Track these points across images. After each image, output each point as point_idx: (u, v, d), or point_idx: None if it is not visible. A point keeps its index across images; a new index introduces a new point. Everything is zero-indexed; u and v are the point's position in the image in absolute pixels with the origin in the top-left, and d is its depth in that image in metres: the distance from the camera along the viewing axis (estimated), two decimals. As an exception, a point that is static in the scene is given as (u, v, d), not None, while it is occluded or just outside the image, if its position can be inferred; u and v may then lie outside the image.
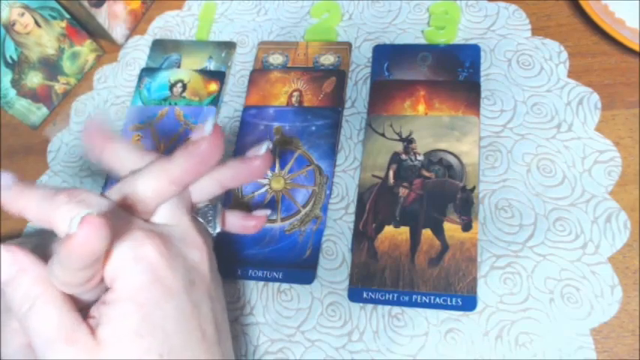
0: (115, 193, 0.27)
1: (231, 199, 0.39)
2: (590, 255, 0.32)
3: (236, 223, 0.32)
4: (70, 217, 0.21)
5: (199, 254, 0.27)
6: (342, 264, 0.35)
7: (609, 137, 0.35)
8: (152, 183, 0.27)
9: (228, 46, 0.46)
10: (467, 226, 0.34)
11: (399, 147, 0.37)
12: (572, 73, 0.38)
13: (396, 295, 0.33)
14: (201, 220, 0.30)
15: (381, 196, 0.36)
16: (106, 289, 0.25)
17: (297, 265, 0.35)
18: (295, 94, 0.42)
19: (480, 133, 0.37)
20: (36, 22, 0.44)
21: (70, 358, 0.23)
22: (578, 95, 0.37)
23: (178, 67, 0.46)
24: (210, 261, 0.29)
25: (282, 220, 0.37)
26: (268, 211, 0.33)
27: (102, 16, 0.46)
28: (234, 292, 0.36)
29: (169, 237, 0.26)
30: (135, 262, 0.24)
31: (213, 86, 0.44)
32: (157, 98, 0.45)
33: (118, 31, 0.48)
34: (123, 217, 0.26)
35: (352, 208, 0.37)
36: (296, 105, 0.41)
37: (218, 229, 0.31)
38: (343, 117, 0.40)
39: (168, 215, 0.28)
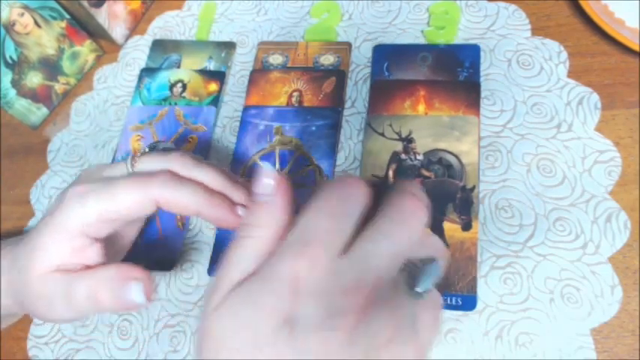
0: None
1: (231, 199, 0.39)
2: (590, 255, 0.32)
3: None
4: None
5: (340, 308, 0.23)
6: (342, 264, 0.35)
7: (609, 137, 0.35)
8: None
9: (228, 46, 0.46)
10: (466, 226, 0.34)
11: (398, 147, 0.37)
12: (572, 73, 0.38)
13: (395, 295, 0.33)
14: None
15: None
16: None
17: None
18: (295, 94, 0.42)
19: (479, 133, 0.37)
20: (36, 23, 0.44)
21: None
22: (578, 95, 0.37)
23: (178, 67, 0.46)
24: (349, 334, 0.22)
25: (282, 220, 0.37)
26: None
27: (102, 16, 0.46)
28: (234, 292, 0.36)
29: (336, 267, 0.23)
30: (283, 260, 0.23)
31: (213, 86, 0.44)
32: (157, 98, 0.45)
33: (117, 31, 0.48)
34: None
35: (352, 208, 0.37)
36: (296, 105, 0.41)
37: (419, 297, 0.22)
38: (343, 117, 0.40)
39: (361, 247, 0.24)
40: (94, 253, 0.29)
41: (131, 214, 0.28)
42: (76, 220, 0.28)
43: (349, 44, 0.43)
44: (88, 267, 0.29)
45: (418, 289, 0.22)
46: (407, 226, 0.23)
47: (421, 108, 0.38)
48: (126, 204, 0.28)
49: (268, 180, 0.24)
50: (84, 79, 0.49)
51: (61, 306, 0.28)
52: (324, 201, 0.23)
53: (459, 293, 0.32)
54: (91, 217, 0.28)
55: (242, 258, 0.23)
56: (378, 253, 0.22)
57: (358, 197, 0.24)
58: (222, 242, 0.37)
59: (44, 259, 0.28)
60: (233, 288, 0.22)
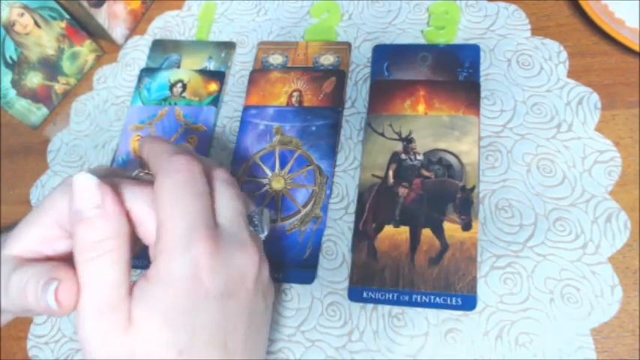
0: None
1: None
2: (590, 255, 0.32)
3: None
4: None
5: (249, 262, 0.27)
6: (342, 264, 0.35)
7: (609, 137, 0.35)
8: None
9: (228, 46, 0.46)
10: (466, 226, 0.34)
11: (398, 147, 0.37)
12: (572, 73, 0.38)
13: (396, 294, 0.33)
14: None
15: (381, 195, 0.36)
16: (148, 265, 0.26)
17: (297, 265, 0.35)
18: (295, 94, 0.42)
19: (479, 133, 0.37)
20: (35, 23, 0.44)
21: (102, 327, 0.24)
22: (578, 95, 0.37)
23: (178, 67, 0.46)
24: (259, 271, 0.28)
25: (282, 220, 0.37)
26: None
27: (102, 16, 0.46)
28: (234, 292, 0.36)
29: (223, 240, 0.26)
30: (183, 251, 0.24)
31: (213, 86, 0.44)
32: (157, 98, 0.45)
33: (117, 32, 0.48)
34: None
35: (352, 208, 0.37)
36: (296, 105, 0.41)
37: (265, 233, 0.30)
38: (343, 117, 0.40)
39: (228, 215, 0.27)
40: (62, 246, 0.27)
41: None
42: (55, 210, 0.27)
43: (349, 44, 0.43)
44: (49, 259, 0.27)
45: (265, 233, 0.30)
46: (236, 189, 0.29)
47: (421, 108, 0.38)
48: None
49: (90, 192, 0.25)
50: (84, 79, 0.49)
51: (2, 293, 0.26)
52: (174, 187, 0.26)
53: (459, 293, 0.32)
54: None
55: (108, 277, 0.24)
56: (237, 219, 0.27)
57: (200, 172, 0.27)
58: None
59: (12, 243, 0.27)
60: (132, 303, 0.24)
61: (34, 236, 0.27)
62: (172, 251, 0.24)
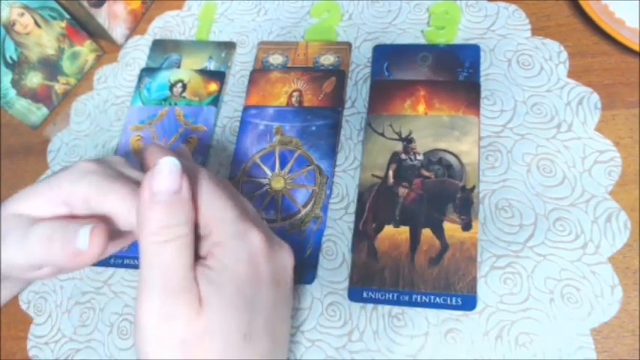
0: None
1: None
2: (590, 255, 0.32)
3: None
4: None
5: (288, 254, 0.29)
6: (342, 264, 0.35)
7: (609, 137, 0.35)
8: None
9: (228, 46, 0.46)
10: (466, 226, 0.34)
11: (398, 147, 0.37)
12: (572, 73, 0.38)
13: (396, 294, 0.33)
14: None
15: (381, 195, 0.36)
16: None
17: (297, 265, 0.35)
18: (295, 94, 0.42)
19: (479, 133, 0.37)
20: (36, 23, 0.44)
21: (174, 308, 0.24)
22: (578, 95, 0.37)
23: (178, 67, 0.46)
24: (293, 269, 0.30)
25: (282, 220, 0.37)
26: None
27: (102, 16, 0.46)
28: (234, 292, 0.36)
29: (271, 234, 0.28)
30: (239, 238, 0.26)
31: (213, 86, 0.44)
32: (157, 98, 0.45)
33: (117, 31, 0.48)
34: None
35: (352, 208, 0.37)
36: (296, 105, 0.41)
37: None
38: (343, 117, 0.40)
39: (253, 212, 0.29)
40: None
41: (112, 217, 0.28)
42: (62, 190, 0.27)
43: (349, 44, 0.43)
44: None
45: None
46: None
47: (421, 108, 0.38)
48: (111, 204, 0.27)
49: (174, 178, 0.25)
50: (84, 79, 0.49)
51: (13, 245, 0.27)
52: (215, 188, 0.27)
53: (459, 293, 0.32)
54: (78, 195, 0.27)
55: (181, 260, 0.25)
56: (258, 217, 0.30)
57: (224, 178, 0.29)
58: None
59: (17, 204, 0.28)
60: (200, 287, 0.25)
61: (40, 203, 0.28)
62: (227, 242, 0.26)
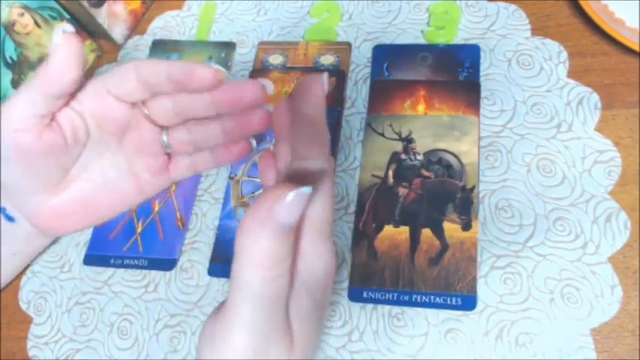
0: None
1: (229, 201, 0.39)
2: (590, 255, 0.32)
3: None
4: None
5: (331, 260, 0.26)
6: (342, 264, 0.35)
7: (609, 137, 0.35)
8: None
9: (228, 46, 0.46)
10: (466, 226, 0.34)
11: (398, 147, 0.37)
12: (572, 73, 0.38)
13: (395, 294, 0.33)
14: None
15: (381, 195, 0.36)
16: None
17: (297, 265, 0.35)
18: (295, 94, 0.41)
19: (479, 133, 0.37)
20: (36, 23, 0.44)
21: (270, 352, 0.23)
22: (578, 95, 0.37)
23: (178, 67, 0.46)
24: None
25: (282, 220, 0.37)
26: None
27: (102, 16, 0.46)
28: (234, 292, 0.36)
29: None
30: (319, 259, 0.24)
31: (213, 86, 0.44)
32: (157, 98, 0.45)
33: (117, 31, 0.48)
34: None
35: (352, 208, 0.37)
36: (296, 105, 0.41)
37: None
38: (343, 117, 0.40)
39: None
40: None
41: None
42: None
43: (349, 44, 0.43)
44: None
45: None
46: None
47: (421, 108, 0.38)
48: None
49: (300, 205, 0.21)
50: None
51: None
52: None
53: (459, 293, 0.32)
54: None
55: (280, 301, 0.23)
56: None
57: None
58: (223, 243, 0.37)
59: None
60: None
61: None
62: (313, 259, 0.24)
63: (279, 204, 0.21)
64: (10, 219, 0.33)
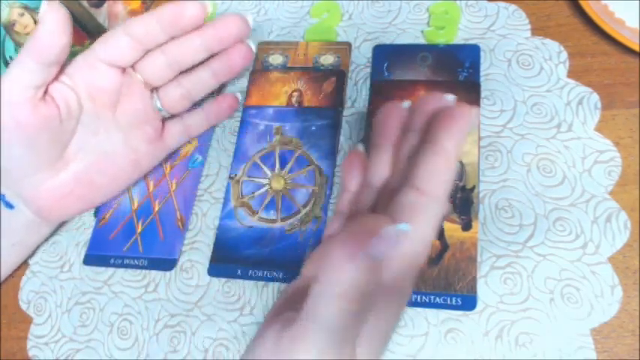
0: None
1: (229, 201, 0.39)
2: (590, 255, 0.32)
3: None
4: None
5: None
6: (342, 264, 0.35)
7: (609, 137, 0.35)
8: None
9: (228, 46, 0.46)
10: (466, 226, 0.34)
11: (398, 147, 0.37)
12: (572, 73, 0.38)
13: (395, 295, 0.33)
14: None
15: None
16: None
17: (297, 265, 0.35)
18: (295, 94, 0.42)
19: (479, 133, 0.37)
20: (36, 23, 0.44)
21: None
22: (578, 95, 0.37)
23: (178, 67, 0.46)
24: None
25: (282, 220, 0.37)
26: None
27: (102, 16, 0.46)
28: (234, 292, 0.36)
29: None
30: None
31: (213, 86, 0.44)
32: (157, 98, 0.45)
33: (117, 31, 0.48)
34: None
35: (352, 208, 0.37)
36: (296, 105, 0.41)
37: None
38: (343, 117, 0.40)
39: None
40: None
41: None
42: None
43: (349, 44, 0.43)
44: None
45: None
46: None
47: (421, 108, 0.38)
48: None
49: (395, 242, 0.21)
50: (84, 79, 0.49)
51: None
52: None
53: (459, 293, 0.32)
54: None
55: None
56: None
57: None
58: (223, 242, 0.37)
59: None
60: None
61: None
62: None
63: (376, 237, 0.20)
64: (9, 206, 0.34)
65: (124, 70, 0.31)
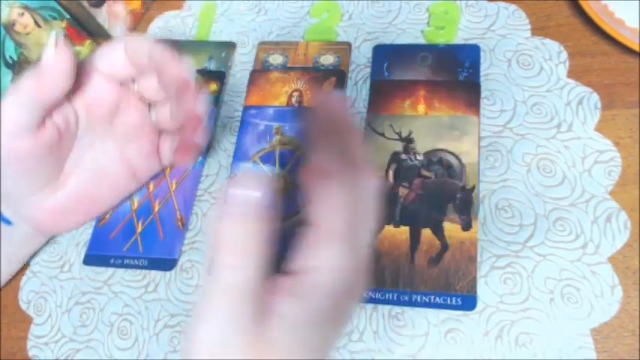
0: None
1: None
2: (590, 255, 0.32)
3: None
4: None
5: None
6: (342, 264, 0.35)
7: (609, 137, 0.35)
8: None
9: (228, 46, 0.46)
10: (466, 226, 0.34)
11: (398, 147, 0.37)
12: (572, 73, 0.38)
13: (396, 294, 0.33)
14: None
15: (381, 195, 0.36)
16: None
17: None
18: (295, 94, 0.42)
19: (479, 133, 0.37)
20: (36, 23, 0.44)
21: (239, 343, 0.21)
22: (578, 95, 0.37)
23: (178, 67, 0.46)
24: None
25: (282, 220, 0.37)
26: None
27: (102, 16, 0.46)
28: (234, 292, 0.36)
29: None
30: (330, 267, 0.22)
31: (213, 86, 0.44)
32: (157, 98, 0.45)
33: (117, 32, 0.48)
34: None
35: (352, 208, 0.37)
36: (296, 105, 0.41)
37: None
38: (343, 117, 0.40)
39: None
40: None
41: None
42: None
43: (349, 44, 0.43)
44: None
45: None
46: None
47: (421, 108, 0.38)
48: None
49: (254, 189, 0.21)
50: (84, 79, 0.49)
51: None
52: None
53: (459, 293, 0.32)
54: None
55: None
56: None
57: None
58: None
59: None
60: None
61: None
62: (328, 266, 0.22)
63: (234, 191, 0.20)
64: (7, 222, 0.33)
65: (121, 83, 0.31)
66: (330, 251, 0.22)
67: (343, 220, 0.22)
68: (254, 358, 0.21)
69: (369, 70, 0.41)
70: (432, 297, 0.32)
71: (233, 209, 0.20)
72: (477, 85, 0.38)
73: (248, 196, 0.20)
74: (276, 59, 0.44)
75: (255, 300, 0.21)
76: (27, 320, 0.39)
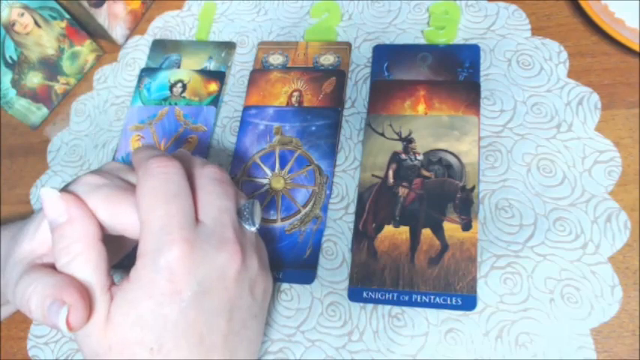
0: None
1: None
2: (590, 255, 0.32)
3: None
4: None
5: (229, 260, 0.27)
6: (342, 264, 0.35)
7: (609, 137, 0.35)
8: None
9: (228, 46, 0.46)
10: (466, 226, 0.34)
11: (398, 147, 0.37)
12: (572, 73, 0.38)
13: (395, 294, 0.33)
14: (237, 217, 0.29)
15: (381, 195, 0.36)
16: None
17: (297, 265, 0.35)
18: (295, 94, 0.42)
19: (479, 133, 0.37)
20: (36, 23, 0.44)
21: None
22: (578, 95, 0.37)
23: (178, 67, 0.46)
24: (243, 267, 0.28)
25: (282, 220, 0.37)
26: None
27: (102, 16, 0.46)
28: (234, 292, 0.36)
29: (200, 240, 0.26)
30: (156, 255, 0.25)
31: (213, 86, 0.44)
32: (157, 98, 0.45)
33: (117, 31, 0.48)
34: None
35: (352, 208, 0.37)
36: (296, 105, 0.41)
37: (256, 226, 0.30)
38: (343, 117, 0.40)
39: (210, 214, 0.28)
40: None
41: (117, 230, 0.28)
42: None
43: (349, 44, 0.43)
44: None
45: (256, 226, 0.30)
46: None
47: (421, 108, 0.38)
48: (124, 215, 0.27)
49: (53, 205, 0.26)
50: (84, 79, 0.49)
51: (11, 296, 0.27)
52: (149, 191, 0.26)
53: (459, 293, 0.32)
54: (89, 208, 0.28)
55: (81, 279, 0.26)
56: (220, 217, 0.28)
57: (176, 173, 0.27)
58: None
59: (22, 246, 0.28)
60: (112, 303, 0.26)
61: (41, 239, 0.28)
62: (147, 255, 0.26)
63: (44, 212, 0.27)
64: None
65: None
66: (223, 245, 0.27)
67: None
68: (104, 338, 0.26)
69: (369, 70, 0.41)
70: (432, 297, 0.32)
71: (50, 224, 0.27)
72: (477, 85, 0.38)
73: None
74: (276, 59, 0.44)
75: (95, 290, 0.26)
76: (27, 320, 0.39)
